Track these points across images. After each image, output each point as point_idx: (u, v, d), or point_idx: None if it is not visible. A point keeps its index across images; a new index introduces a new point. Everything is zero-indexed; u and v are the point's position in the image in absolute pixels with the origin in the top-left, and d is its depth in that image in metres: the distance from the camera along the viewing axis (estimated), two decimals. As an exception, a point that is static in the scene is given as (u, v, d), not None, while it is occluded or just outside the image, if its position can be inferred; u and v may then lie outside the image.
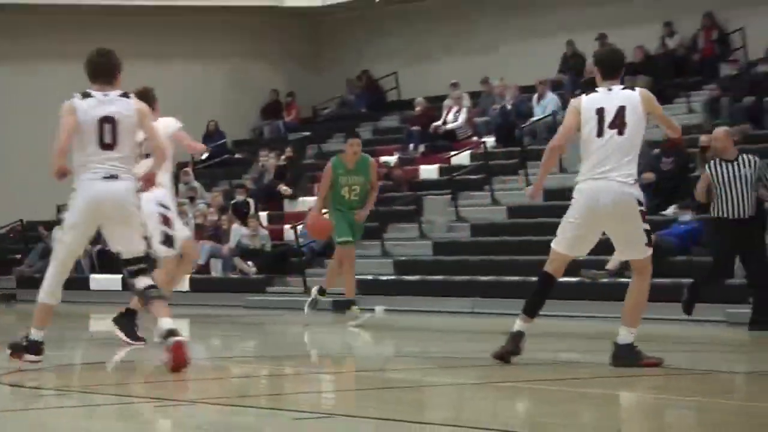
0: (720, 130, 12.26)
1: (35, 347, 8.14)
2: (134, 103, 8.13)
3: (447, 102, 23.15)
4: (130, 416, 6.35)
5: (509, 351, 8.23)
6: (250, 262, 20.05)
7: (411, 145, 22.78)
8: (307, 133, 25.81)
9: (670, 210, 15.97)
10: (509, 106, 21.88)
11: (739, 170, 11.69)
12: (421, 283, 17.30)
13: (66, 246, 8.13)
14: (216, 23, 26.79)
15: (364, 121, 25.88)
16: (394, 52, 26.41)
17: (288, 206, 22.70)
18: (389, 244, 19.17)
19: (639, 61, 21.17)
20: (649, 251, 8.13)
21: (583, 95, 8.23)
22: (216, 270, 20.79)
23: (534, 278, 16.20)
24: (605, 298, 15.32)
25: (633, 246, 8.11)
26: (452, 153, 21.75)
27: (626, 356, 8.04)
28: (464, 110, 22.73)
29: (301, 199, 22.44)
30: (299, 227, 19.94)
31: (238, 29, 27.10)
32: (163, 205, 9.86)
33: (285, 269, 19.80)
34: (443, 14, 25.43)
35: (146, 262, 8.14)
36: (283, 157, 23.45)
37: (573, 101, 8.29)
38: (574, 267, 16.05)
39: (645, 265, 8.16)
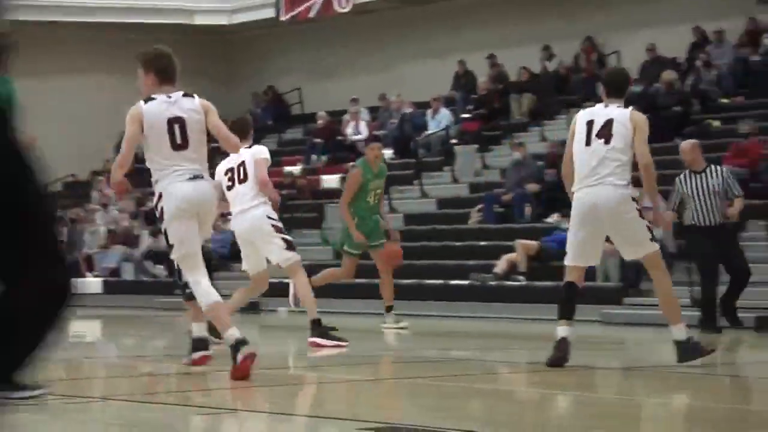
0: (687, 144, 11.80)
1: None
2: (198, 101, 7.58)
3: (346, 116, 23.12)
4: (40, 412, 6.16)
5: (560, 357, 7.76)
6: (160, 266, 19.77)
7: (313, 156, 22.68)
8: (216, 144, 25.48)
9: (553, 218, 16.12)
10: (405, 121, 21.92)
11: (708, 180, 11.45)
12: (323, 285, 17.18)
13: (189, 257, 7.33)
14: (129, 40, 26.38)
15: (270, 133, 25.70)
16: (298, 68, 26.30)
17: (197, 213, 22.41)
18: (292, 249, 19.04)
19: (525, 80, 21.39)
20: (656, 245, 7.80)
21: (581, 110, 7.99)
22: (128, 273, 20.48)
23: (429, 281, 16.45)
24: (493, 300, 15.43)
25: (638, 244, 7.75)
26: (353, 163, 21.63)
27: (690, 349, 7.76)
28: (363, 123, 22.70)
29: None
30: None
31: (150, 45, 26.70)
32: (271, 217, 9.58)
33: (194, 272, 19.55)
34: (344, 34, 25.40)
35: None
36: (192, 166, 23.16)
37: (572, 123, 7.99)
38: (464, 271, 16.21)
39: (657, 259, 7.80)
